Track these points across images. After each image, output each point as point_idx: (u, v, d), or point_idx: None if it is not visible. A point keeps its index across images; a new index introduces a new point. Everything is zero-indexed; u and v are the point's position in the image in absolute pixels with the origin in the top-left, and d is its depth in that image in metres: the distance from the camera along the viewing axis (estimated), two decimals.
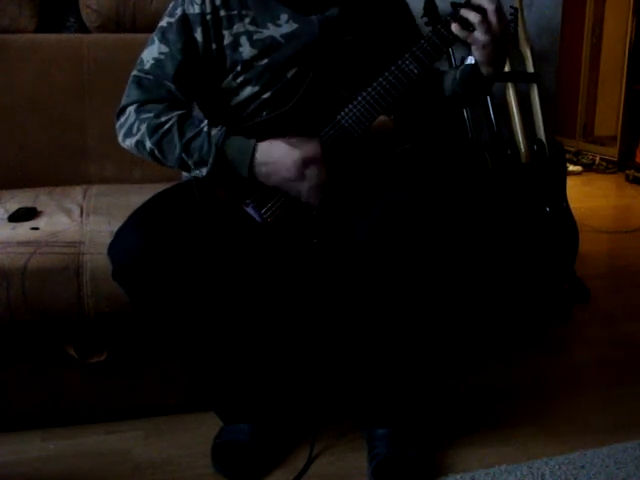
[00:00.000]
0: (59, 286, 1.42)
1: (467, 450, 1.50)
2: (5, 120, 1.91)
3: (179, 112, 1.33)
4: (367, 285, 1.34)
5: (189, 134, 1.30)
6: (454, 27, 1.26)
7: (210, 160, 1.28)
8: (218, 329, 1.35)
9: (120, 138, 1.38)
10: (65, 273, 1.42)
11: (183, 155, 1.30)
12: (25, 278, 1.40)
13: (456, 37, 1.28)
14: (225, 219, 1.33)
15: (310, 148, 1.29)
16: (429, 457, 1.46)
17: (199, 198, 1.32)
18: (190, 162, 1.30)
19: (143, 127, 1.32)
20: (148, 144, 1.32)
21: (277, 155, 1.28)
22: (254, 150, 1.28)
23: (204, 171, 1.30)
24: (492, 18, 1.24)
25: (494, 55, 1.29)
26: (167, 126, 1.30)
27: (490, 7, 1.24)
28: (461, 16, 1.26)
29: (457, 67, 1.42)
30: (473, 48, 1.29)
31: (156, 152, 1.32)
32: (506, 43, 1.29)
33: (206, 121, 1.32)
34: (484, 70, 1.34)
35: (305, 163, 1.28)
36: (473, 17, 1.24)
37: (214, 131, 1.30)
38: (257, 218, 1.32)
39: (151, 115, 1.32)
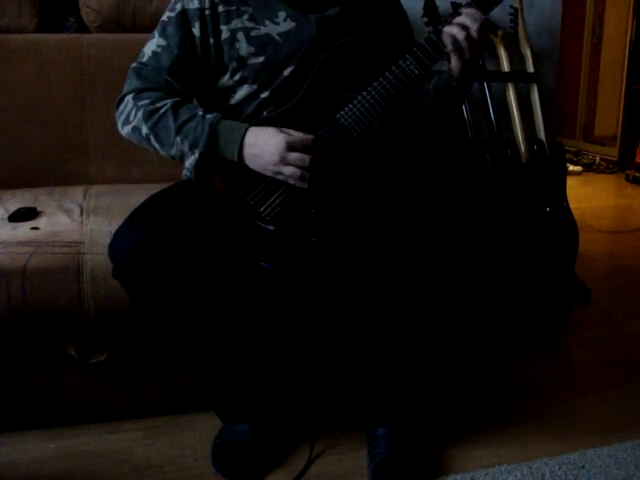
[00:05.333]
0: (59, 286, 1.42)
1: (467, 450, 1.50)
2: (5, 120, 1.91)
3: (175, 99, 1.35)
4: (367, 285, 1.34)
5: (183, 117, 1.32)
6: (446, 38, 1.28)
7: (203, 141, 1.29)
8: (218, 328, 1.35)
9: (119, 126, 1.41)
10: (65, 273, 1.42)
11: (177, 138, 1.32)
12: (25, 278, 1.40)
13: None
14: (225, 218, 1.33)
15: (298, 135, 1.29)
16: (429, 457, 1.46)
17: (199, 197, 1.32)
18: (185, 145, 1.32)
19: (140, 113, 1.35)
20: (144, 129, 1.34)
21: (263, 138, 1.29)
22: (245, 131, 1.29)
23: (197, 153, 1.31)
24: (475, 34, 1.27)
25: (470, 72, 1.33)
26: (162, 111, 1.33)
27: (474, 26, 1.26)
28: (447, 32, 1.28)
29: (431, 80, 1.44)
30: (453, 61, 1.30)
31: (152, 137, 1.35)
32: (479, 60, 1.33)
33: (202, 108, 1.34)
34: (455, 84, 1.36)
35: (288, 148, 1.27)
36: (458, 33, 1.26)
37: (209, 114, 1.31)
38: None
39: (147, 102, 1.35)
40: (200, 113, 1.32)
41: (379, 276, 1.32)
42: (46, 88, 1.94)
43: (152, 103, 1.35)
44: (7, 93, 1.92)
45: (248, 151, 1.30)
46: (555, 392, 1.76)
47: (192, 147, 1.32)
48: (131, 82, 1.40)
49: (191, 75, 1.39)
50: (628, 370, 1.88)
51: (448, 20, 1.30)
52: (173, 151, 1.35)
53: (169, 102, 1.34)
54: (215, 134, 1.30)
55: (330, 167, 1.32)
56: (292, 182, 1.30)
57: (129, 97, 1.38)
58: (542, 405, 1.69)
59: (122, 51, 1.95)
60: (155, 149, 1.37)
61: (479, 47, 1.29)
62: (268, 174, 1.30)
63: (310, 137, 1.30)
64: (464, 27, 1.26)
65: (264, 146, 1.28)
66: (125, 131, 1.40)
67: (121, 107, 1.40)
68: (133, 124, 1.36)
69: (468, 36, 1.26)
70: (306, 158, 1.28)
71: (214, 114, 1.32)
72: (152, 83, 1.38)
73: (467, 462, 1.46)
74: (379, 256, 1.30)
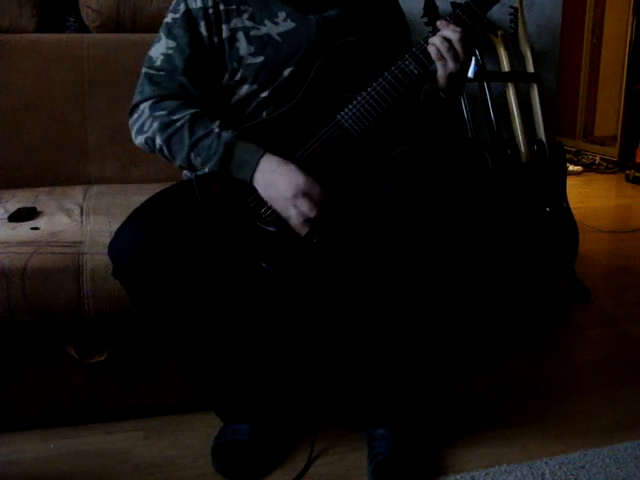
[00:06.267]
0: (59, 286, 1.42)
1: (467, 450, 1.50)
2: (5, 120, 1.91)
3: (192, 111, 1.33)
4: (367, 285, 1.35)
5: (199, 133, 1.30)
6: (430, 49, 1.29)
7: (215, 160, 1.28)
8: (218, 328, 1.35)
9: (133, 135, 1.39)
10: (65, 273, 1.42)
11: (191, 153, 1.30)
12: (25, 278, 1.40)
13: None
14: (225, 218, 1.33)
15: (314, 187, 1.27)
16: (429, 457, 1.46)
17: (199, 197, 1.32)
18: (197, 161, 1.31)
19: (155, 124, 1.33)
20: (158, 141, 1.33)
21: (280, 174, 1.27)
22: (261, 158, 1.28)
23: (207, 169, 1.30)
24: (457, 47, 1.28)
25: (456, 83, 1.33)
26: (178, 124, 1.31)
27: (454, 37, 1.27)
28: (431, 44, 1.29)
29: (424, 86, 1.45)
30: (438, 71, 1.31)
31: (165, 149, 1.33)
32: (466, 72, 1.35)
33: (218, 122, 1.32)
34: (442, 95, 1.36)
35: (303, 193, 1.26)
36: (440, 45, 1.28)
37: (225, 133, 1.30)
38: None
39: (164, 113, 1.33)
40: (216, 130, 1.30)
41: (380, 276, 1.32)
42: (46, 88, 1.94)
43: (169, 114, 1.32)
44: (7, 93, 1.92)
45: (260, 179, 1.28)
46: (555, 392, 1.76)
47: (204, 164, 1.30)
48: (144, 89, 1.37)
49: (203, 74, 1.38)
50: (628, 370, 1.88)
51: (431, 32, 1.31)
52: (185, 164, 1.33)
53: (187, 115, 1.32)
54: (229, 156, 1.28)
55: (331, 168, 1.32)
56: (293, 224, 1.27)
57: (145, 106, 1.35)
58: (542, 405, 1.69)
59: (122, 51, 1.94)
60: (167, 159, 1.36)
61: (464, 59, 1.29)
62: (274, 205, 1.28)
63: (321, 192, 1.27)
64: (446, 39, 1.28)
65: (277, 182, 1.26)
66: (139, 141, 1.37)
67: (135, 115, 1.37)
68: (147, 134, 1.34)
69: (450, 47, 1.28)
70: (314, 211, 1.26)
71: (230, 133, 1.30)
72: (167, 90, 1.35)
73: (467, 462, 1.46)
74: (381, 245, 1.30)
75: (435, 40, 1.29)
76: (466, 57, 1.30)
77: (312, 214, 1.26)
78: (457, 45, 1.28)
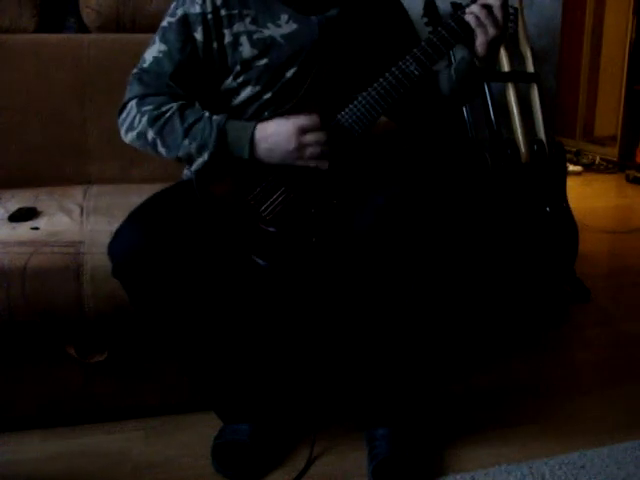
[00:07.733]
0: (59, 286, 1.42)
1: (467, 450, 1.50)
2: (5, 120, 1.91)
3: (179, 102, 1.34)
4: (367, 284, 1.35)
5: (190, 119, 1.31)
6: (469, 17, 1.30)
7: (212, 142, 1.29)
8: (217, 328, 1.36)
9: (122, 133, 1.39)
10: (65, 273, 1.42)
11: (185, 140, 1.30)
12: (25, 278, 1.40)
13: (457, 37, 1.32)
14: (225, 217, 1.33)
15: (306, 116, 1.29)
16: (429, 457, 1.46)
17: (199, 196, 1.32)
18: (193, 147, 1.30)
19: (144, 119, 1.33)
20: (150, 134, 1.33)
21: (273, 128, 1.29)
22: (254, 129, 1.29)
23: (206, 155, 1.30)
24: (498, 13, 1.30)
25: (495, 50, 1.35)
26: (168, 114, 1.32)
27: (496, 3, 1.30)
28: (469, 13, 1.31)
29: (450, 65, 1.44)
30: (478, 39, 1.32)
31: (158, 142, 1.33)
32: (504, 38, 1.37)
33: (207, 110, 1.33)
34: (479, 64, 1.37)
35: (302, 130, 1.28)
36: (479, 12, 1.30)
37: (215, 116, 1.31)
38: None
39: (151, 107, 1.34)
40: (207, 115, 1.31)
41: (380, 274, 1.32)
42: (46, 88, 1.94)
43: (157, 108, 1.33)
44: (7, 93, 1.91)
45: (262, 147, 1.30)
46: (555, 392, 1.76)
47: (200, 149, 1.30)
48: (133, 88, 1.38)
49: (193, 79, 1.39)
50: (628, 370, 1.88)
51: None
52: (180, 154, 1.33)
53: (174, 105, 1.33)
54: (223, 134, 1.29)
55: (331, 168, 1.32)
56: (313, 164, 1.30)
57: (132, 103, 1.36)
58: (542, 405, 1.69)
59: (122, 51, 1.94)
60: (161, 154, 1.35)
61: (503, 24, 1.31)
62: (288, 162, 1.30)
63: (315, 115, 1.30)
64: (486, 5, 1.30)
65: (276, 138, 1.28)
66: (129, 138, 1.37)
67: (124, 114, 1.38)
68: (138, 130, 1.34)
69: (490, 13, 1.30)
70: (321, 135, 1.29)
71: (220, 115, 1.31)
72: (154, 88, 1.36)
73: (467, 462, 1.46)
74: (379, 250, 1.30)
75: (474, 8, 1.30)
76: (505, 23, 1.32)
77: (322, 139, 1.28)
78: (497, 11, 1.30)
